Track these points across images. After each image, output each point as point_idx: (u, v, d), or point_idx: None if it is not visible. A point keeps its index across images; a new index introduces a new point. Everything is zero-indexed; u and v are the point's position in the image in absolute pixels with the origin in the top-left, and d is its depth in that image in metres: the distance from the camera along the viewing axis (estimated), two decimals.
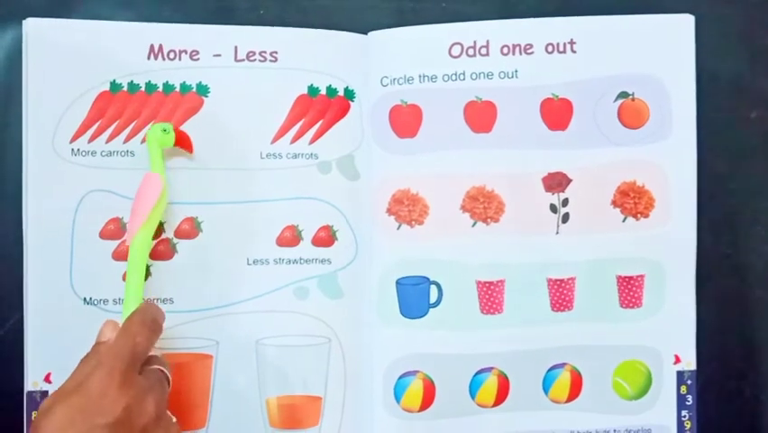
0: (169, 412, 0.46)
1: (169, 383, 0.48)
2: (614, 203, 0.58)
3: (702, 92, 0.58)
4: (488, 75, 0.58)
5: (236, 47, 0.57)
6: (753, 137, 0.59)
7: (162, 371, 0.47)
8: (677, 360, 0.59)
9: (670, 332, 0.58)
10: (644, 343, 0.58)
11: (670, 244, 0.58)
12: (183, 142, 0.55)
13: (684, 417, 0.59)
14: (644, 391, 0.59)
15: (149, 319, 0.47)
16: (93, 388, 0.42)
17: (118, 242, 0.55)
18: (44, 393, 0.54)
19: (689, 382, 0.59)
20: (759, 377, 0.59)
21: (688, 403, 0.59)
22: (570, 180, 0.58)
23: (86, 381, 0.42)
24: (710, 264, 0.58)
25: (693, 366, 0.59)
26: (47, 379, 0.54)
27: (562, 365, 0.58)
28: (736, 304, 0.59)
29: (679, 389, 0.59)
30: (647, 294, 0.58)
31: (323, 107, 0.58)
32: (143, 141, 0.55)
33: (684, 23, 0.58)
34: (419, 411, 0.58)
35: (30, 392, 0.54)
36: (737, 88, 0.59)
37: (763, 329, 0.59)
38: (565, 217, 0.58)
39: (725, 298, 0.59)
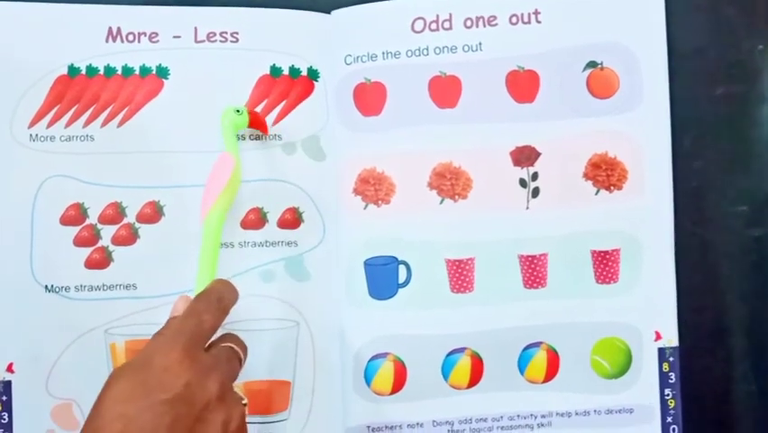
0: (239, 393, 0.45)
1: (240, 363, 0.47)
2: (585, 176, 0.56)
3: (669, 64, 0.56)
4: (451, 49, 0.57)
5: (196, 28, 0.56)
6: (719, 112, 0.57)
7: (233, 349, 0.46)
8: (657, 336, 0.57)
9: (649, 307, 0.57)
10: (622, 319, 0.57)
11: (645, 216, 0.56)
12: (257, 124, 0.54)
13: (668, 395, 0.57)
14: (624, 369, 0.57)
15: (215, 298, 0.47)
16: (155, 363, 0.41)
17: (79, 228, 0.54)
18: (7, 383, 0.53)
19: (671, 359, 0.57)
20: (743, 354, 0.58)
21: (671, 381, 0.57)
22: (539, 154, 0.56)
23: (150, 355, 0.42)
24: (677, 239, 0.57)
25: (675, 343, 0.57)
26: (9, 369, 0.53)
27: (538, 344, 0.57)
28: (703, 279, 0.57)
29: (661, 366, 0.57)
30: (623, 269, 0.56)
31: (286, 88, 0.57)
32: (119, 125, 0.55)
33: None
34: (391, 394, 0.56)
35: None
36: (704, 61, 0.57)
37: (734, 303, 0.57)
38: (535, 192, 0.56)
39: (693, 273, 0.57)
